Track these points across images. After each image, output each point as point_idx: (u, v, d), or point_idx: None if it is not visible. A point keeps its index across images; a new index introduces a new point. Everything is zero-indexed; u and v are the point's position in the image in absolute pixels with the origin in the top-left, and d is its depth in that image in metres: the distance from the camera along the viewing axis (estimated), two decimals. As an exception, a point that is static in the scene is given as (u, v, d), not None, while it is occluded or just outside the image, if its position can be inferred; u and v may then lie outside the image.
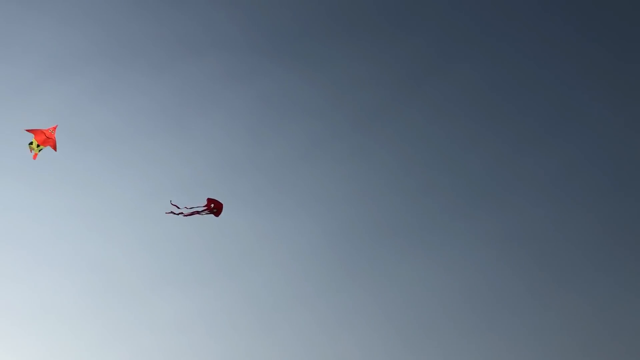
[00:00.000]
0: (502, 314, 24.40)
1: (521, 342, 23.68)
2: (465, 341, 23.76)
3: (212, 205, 16.86)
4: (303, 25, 28.37)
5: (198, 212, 16.81)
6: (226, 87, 27.51)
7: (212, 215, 16.97)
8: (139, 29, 27.09)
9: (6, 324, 23.02)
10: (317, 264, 25.50)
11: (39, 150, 14.96)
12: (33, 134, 14.83)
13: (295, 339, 23.83)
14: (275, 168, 26.85)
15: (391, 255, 25.66)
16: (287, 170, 26.95)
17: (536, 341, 23.60)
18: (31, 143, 15.04)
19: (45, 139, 14.95)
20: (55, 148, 15.04)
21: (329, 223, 26.34)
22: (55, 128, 14.97)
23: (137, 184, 25.79)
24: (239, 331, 23.84)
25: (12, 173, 24.69)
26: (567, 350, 23.36)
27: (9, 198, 24.78)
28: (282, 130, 27.34)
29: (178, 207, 16.47)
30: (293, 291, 24.87)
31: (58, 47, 26.38)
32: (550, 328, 23.88)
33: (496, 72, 28.69)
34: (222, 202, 17.00)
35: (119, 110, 26.28)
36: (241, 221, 25.55)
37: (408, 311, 24.51)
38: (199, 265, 24.93)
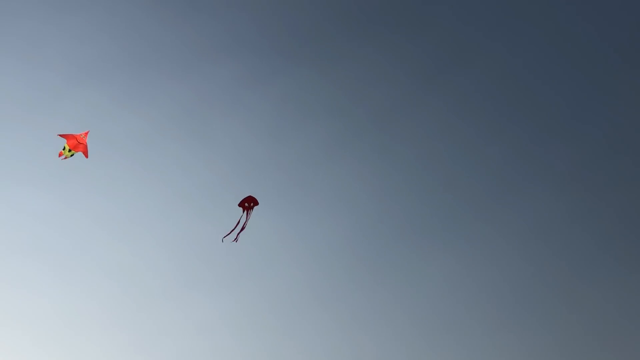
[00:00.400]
0: (528, 312, 24.31)
1: (547, 341, 23.59)
2: (489, 341, 23.72)
3: (246, 204, 16.63)
4: (321, 23, 28.52)
5: (245, 221, 16.66)
6: (247, 88, 27.71)
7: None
8: (161, 34, 27.42)
9: (32, 333, 23.22)
10: (339, 264, 25.53)
11: (71, 155, 15.16)
12: (65, 138, 15.06)
13: (319, 340, 23.92)
14: (296, 168, 27.00)
15: (413, 253, 25.66)
16: (308, 170, 27.08)
17: (563, 340, 23.54)
18: (64, 148, 15.25)
19: (76, 144, 15.16)
20: (86, 154, 15.25)
21: (351, 222, 26.39)
22: (87, 134, 15.18)
23: (160, 188, 26.04)
24: (263, 333, 24.00)
25: (38, 180, 25.08)
26: (594, 349, 23.22)
27: (35, 205, 25.04)
28: (303, 130, 27.47)
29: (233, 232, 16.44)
30: (316, 292, 24.96)
31: (83, 54, 26.72)
32: (578, 326, 23.79)
33: (515, 64, 28.53)
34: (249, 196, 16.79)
35: (141, 116, 26.53)
36: (263, 222, 25.59)
37: (431, 310, 24.51)
38: (222, 268, 25.08)
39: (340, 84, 27.93)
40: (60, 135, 15.17)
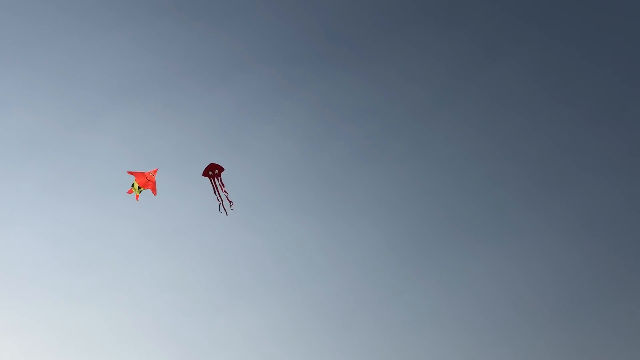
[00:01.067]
0: (583, 310, 24.09)
1: (604, 340, 23.26)
2: (542, 340, 23.53)
3: (211, 172, 16.51)
4: (352, 25, 28.49)
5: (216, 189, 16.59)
6: (282, 96, 27.81)
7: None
8: (196, 47, 27.60)
9: (84, 347, 23.52)
10: (383, 268, 25.57)
11: (139, 192, 15.30)
12: (135, 176, 15.18)
13: (367, 343, 24.00)
14: (335, 172, 27.05)
15: (458, 252, 25.58)
16: (348, 173, 27.11)
17: (620, 337, 23.20)
18: (133, 185, 15.38)
19: (145, 182, 15.29)
20: (155, 191, 15.38)
21: (393, 224, 26.44)
22: (156, 172, 15.29)
23: (202, 199, 26.11)
24: (310, 339, 24.13)
25: (84, 197, 25.39)
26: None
27: (83, 221, 25.41)
28: (340, 133, 27.49)
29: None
30: (362, 295, 25.01)
31: (122, 70, 27.06)
32: (636, 321, 23.40)
33: (556, 49, 28.00)
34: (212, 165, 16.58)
35: (181, 129, 26.77)
36: (304, 228, 25.82)
37: (480, 309, 24.44)
38: (267, 276, 25.30)
39: (375, 84, 27.97)
40: (129, 172, 15.29)
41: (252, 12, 27.94)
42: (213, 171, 16.66)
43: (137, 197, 15.67)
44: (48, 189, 25.37)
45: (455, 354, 23.51)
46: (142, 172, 15.36)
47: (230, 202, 16.77)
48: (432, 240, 25.93)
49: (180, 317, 24.18)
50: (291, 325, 24.32)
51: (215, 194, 16.72)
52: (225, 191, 16.72)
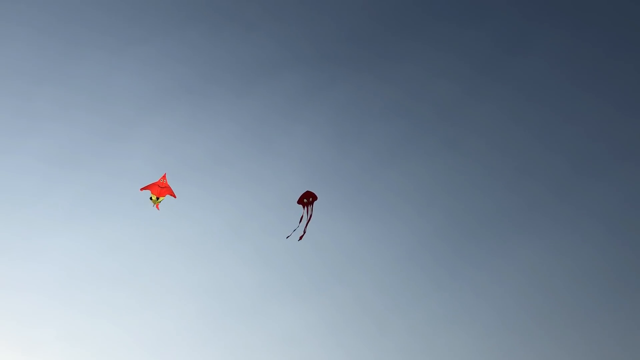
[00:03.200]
0: (622, 304, 23.57)
1: None
2: (581, 335, 23.13)
3: (305, 199, 16.55)
4: (373, 27, 28.43)
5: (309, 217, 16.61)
6: (308, 99, 27.96)
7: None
8: (220, 56, 27.92)
9: (127, 357, 23.95)
10: (415, 266, 25.48)
11: (159, 202, 15.65)
12: (148, 189, 15.53)
13: (398, 344, 23.92)
14: (365, 172, 27.02)
15: (492, 249, 25.30)
16: (377, 173, 27.07)
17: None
18: (151, 198, 15.73)
19: (160, 190, 15.62)
20: (174, 195, 15.70)
21: (426, 221, 26.27)
22: (164, 176, 15.61)
23: (233, 205, 26.46)
24: (351, 338, 24.13)
25: (116, 211, 25.81)
26: None
27: (117, 235, 25.73)
28: (366, 135, 27.49)
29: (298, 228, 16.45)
30: (399, 294, 24.97)
31: (150, 82, 27.49)
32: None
33: (588, 37, 27.55)
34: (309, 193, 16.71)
35: (210, 137, 27.13)
36: (338, 230, 25.84)
37: (515, 307, 24.10)
38: (302, 278, 25.40)
39: (399, 84, 27.86)
40: (142, 189, 15.62)
41: (275, 17, 28.17)
42: (308, 199, 16.66)
43: (157, 206, 16.01)
44: (84, 202, 25.93)
45: (490, 354, 23.33)
46: (153, 183, 15.70)
47: (304, 231, 16.74)
48: (463, 238, 25.79)
49: (215, 323, 24.53)
50: (328, 325, 24.47)
51: (301, 221, 16.55)
52: (308, 220, 16.57)
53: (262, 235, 25.83)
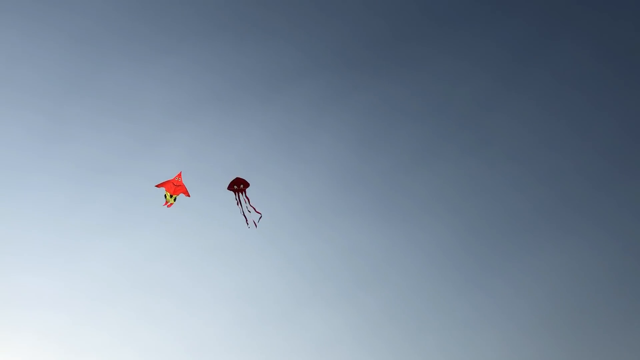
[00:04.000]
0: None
1: None
2: (623, 335, 22.71)
3: (239, 185, 16.60)
4: (396, 31, 28.52)
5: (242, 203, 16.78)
6: (333, 102, 28.20)
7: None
8: (243, 65, 28.32)
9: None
10: (450, 266, 25.41)
11: (174, 200, 16.05)
12: (163, 187, 15.95)
13: (442, 343, 23.87)
14: (392, 175, 27.04)
15: (529, 247, 25.06)
16: (405, 176, 27.05)
17: None
18: (165, 196, 16.12)
19: (175, 188, 16.02)
20: (187, 194, 16.08)
21: (456, 222, 26.20)
22: (180, 175, 16.00)
23: (264, 210, 26.59)
24: (386, 341, 24.15)
25: (150, 221, 26.19)
26: None
27: (151, 244, 26.24)
28: (390, 140, 27.49)
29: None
30: (432, 295, 24.94)
31: (174, 95, 28.04)
32: None
33: (620, 30, 27.13)
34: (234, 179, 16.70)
35: (236, 145, 27.49)
36: (368, 233, 25.87)
37: (554, 305, 23.85)
38: (336, 282, 25.51)
39: (422, 89, 27.90)
40: (157, 185, 16.03)
41: (298, 25, 28.54)
42: (238, 185, 16.89)
43: (170, 204, 16.37)
44: (121, 210, 26.44)
45: (530, 352, 23.10)
46: (168, 181, 16.08)
47: (258, 213, 17.04)
48: (499, 236, 25.63)
49: (251, 327, 24.79)
50: (363, 329, 24.54)
51: (239, 206, 16.98)
52: (251, 205, 16.90)
53: (295, 239, 26.12)
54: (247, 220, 17.06)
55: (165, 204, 16.52)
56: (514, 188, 26.27)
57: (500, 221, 25.84)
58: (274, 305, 25.07)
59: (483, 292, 24.60)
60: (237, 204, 16.88)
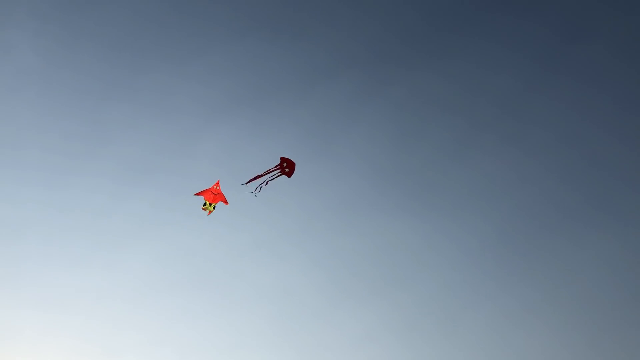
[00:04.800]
0: None
1: None
2: None
3: (285, 164, 16.91)
4: (426, 23, 28.29)
5: (270, 173, 17.06)
6: (366, 98, 28.11)
7: (284, 176, 16.83)
8: (276, 64, 28.44)
9: (206, 358, 24.39)
10: (490, 260, 25.22)
11: (213, 208, 16.24)
12: (202, 195, 16.15)
13: (479, 338, 23.72)
14: (426, 170, 26.92)
15: (565, 241, 24.76)
16: (439, 170, 26.92)
17: None
18: (205, 204, 16.32)
19: (213, 197, 16.21)
20: (225, 202, 16.27)
21: (492, 216, 26.01)
22: (218, 183, 16.20)
23: (299, 208, 26.73)
24: (422, 336, 24.11)
25: (187, 221, 26.21)
26: None
27: (190, 246, 26.45)
28: (426, 132, 27.40)
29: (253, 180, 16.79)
30: (470, 290, 24.79)
31: (210, 95, 28.27)
32: None
33: None
34: (295, 161, 17.14)
35: (272, 142, 27.49)
36: (404, 228, 25.79)
37: (591, 301, 23.54)
38: (372, 277, 25.48)
39: (457, 80, 27.68)
40: (196, 194, 16.23)
41: (329, 22, 28.51)
42: (290, 167, 17.22)
43: (209, 212, 16.56)
44: (159, 209, 26.74)
45: (565, 350, 22.85)
46: (207, 190, 16.27)
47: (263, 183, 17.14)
48: (534, 231, 25.33)
49: (288, 324, 24.90)
50: (399, 324, 24.52)
51: (264, 176, 17.08)
52: (266, 184, 17.16)
53: (331, 234, 26.14)
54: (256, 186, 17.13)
55: (204, 209, 16.71)
56: (552, 180, 26.04)
57: (537, 214, 25.65)
58: (310, 302, 25.24)
59: (521, 286, 24.43)
60: (265, 173, 16.98)
